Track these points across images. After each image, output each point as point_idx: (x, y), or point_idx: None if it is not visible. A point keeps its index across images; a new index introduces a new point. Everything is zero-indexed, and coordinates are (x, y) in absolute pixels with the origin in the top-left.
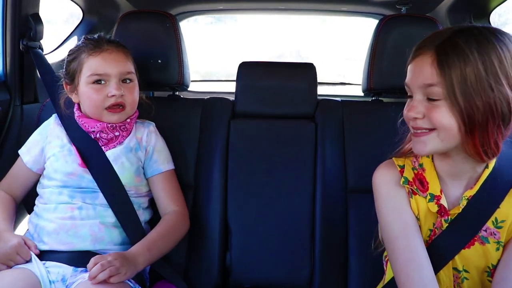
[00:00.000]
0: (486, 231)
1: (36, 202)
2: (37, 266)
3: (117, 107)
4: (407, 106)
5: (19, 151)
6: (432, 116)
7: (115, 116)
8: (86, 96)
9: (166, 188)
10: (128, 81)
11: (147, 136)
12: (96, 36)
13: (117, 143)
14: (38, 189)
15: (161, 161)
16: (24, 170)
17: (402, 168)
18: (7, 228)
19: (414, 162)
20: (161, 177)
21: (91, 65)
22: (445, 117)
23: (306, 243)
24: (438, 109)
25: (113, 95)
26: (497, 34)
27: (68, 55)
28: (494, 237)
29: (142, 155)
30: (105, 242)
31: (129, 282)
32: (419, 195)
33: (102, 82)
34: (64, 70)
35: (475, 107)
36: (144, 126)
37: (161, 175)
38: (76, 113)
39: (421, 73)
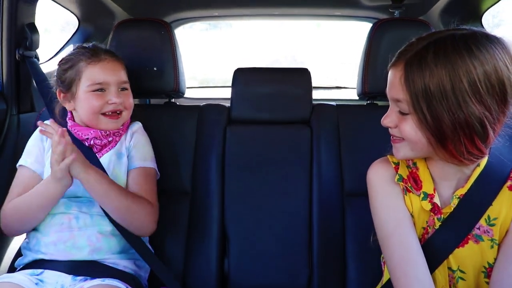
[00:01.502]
0: (479, 229)
1: None
2: (28, 279)
3: (115, 113)
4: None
5: (24, 163)
6: (401, 128)
7: (114, 124)
8: (86, 102)
9: (140, 183)
10: (124, 89)
11: (130, 136)
12: (90, 45)
13: (109, 148)
14: None
15: (138, 157)
16: (35, 178)
17: (397, 165)
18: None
19: (409, 160)
20: (135, 172)
21: (91, 74)
22: (412, 130)
23: (304, 247)
24: (406, 122)
25: (113, 103)
26: (475, 46)
27: (62, 63)
28: (488, 235)
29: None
30: (103, 251)
31: None
32: (413, 193)
33: (102, 90)
34: (57, 78)
35: (443, 123)
36: (130, 128)
37: (135, 170)
38: (69, 123)
39: (392, 86)
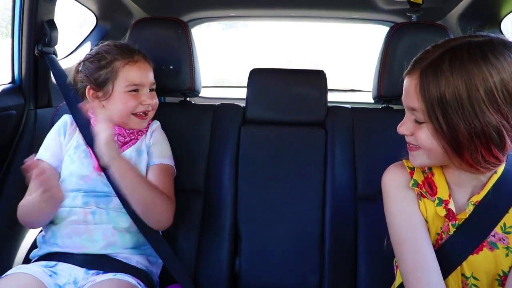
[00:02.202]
0: (494, 237)
1: None
2: (42, 271)
3: (144, 114)
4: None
5: (42, 157)
6: (417, 136)
7: (143, 123)
8: (122, 102)
9: (158, 179)
10: (152, 90)
11: (150, 134)
12: (123, 44)
13: (130, 145)
14: None
15: (157, 154)
16: (53, 172)
17: (412, 170)
18: None
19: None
20: (154, 169)
21: (128, 74)
22: (428, 139)
23: (316, 249)
24: (422, 130)
25: (147, 104)
26: (491, 53)
27: (92, 60)
28: (503, 243)
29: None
30: (117, 246)
31: (138, 286)
32: (427, 198)
33: (137, 90)
34: (86, 75)
35: (459, 132)
36: (150, 126)
37: (154, 166)
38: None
39: (407, 94)
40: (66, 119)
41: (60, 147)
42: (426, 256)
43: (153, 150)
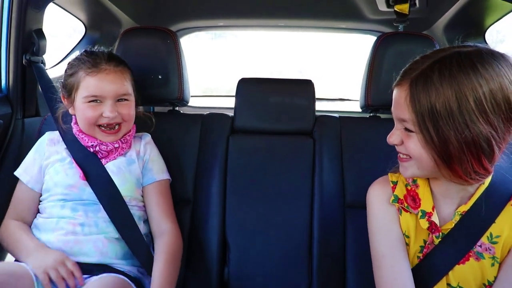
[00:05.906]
0: (481, 247)
1: (37, 215)
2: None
3: (112, 128)
4: None
5: (16, 173)
6: (406, 146)
7: (110, 137)
8: (81, 113)
9: (160, 202)
10: (123, 100)
11: (144, 147)
12: (96, 50)
13: (117, 155)
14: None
15: (156, 170)
16: (27, 191)
17: (395, 184)
18: (41, 243)
19: (409, 178)
20: (155, 187)
21: (88, 85)
22: (417, 149)
23: (304, 258)
24: (411, 140)
25: (107, 116)
26: (480, 63)
27: (67, 68)
28: (489, 253)
29: (140, 166)
30: (109, 256)
31: (131, 284)
32: (410, 212)
33: (98, 101)
34: (62, 82)
35: (449, 143)
36: (141, 138)
37: (155, 184)
38: (75, 128)
39: (397, 105)
40: (45, 138)
41: (39, 168)
42: (403, 274)
43: (152, 166)
